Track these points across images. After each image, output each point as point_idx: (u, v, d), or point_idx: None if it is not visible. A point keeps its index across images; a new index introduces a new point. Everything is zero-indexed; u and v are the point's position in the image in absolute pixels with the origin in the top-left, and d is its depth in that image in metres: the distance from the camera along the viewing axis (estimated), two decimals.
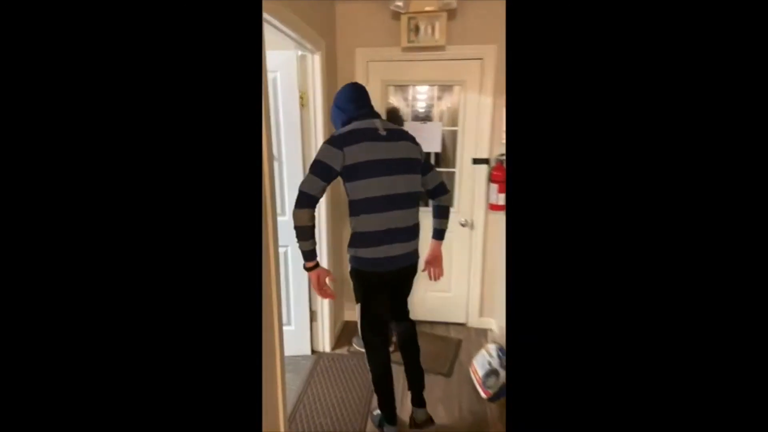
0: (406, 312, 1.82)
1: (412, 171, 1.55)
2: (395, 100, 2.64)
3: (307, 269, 1.53)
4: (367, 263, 1.54)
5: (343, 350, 2.51)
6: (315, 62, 2.15)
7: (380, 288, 1.61)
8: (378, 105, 2.51)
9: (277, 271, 1.42)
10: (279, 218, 1.52)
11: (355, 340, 2.53)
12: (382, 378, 1.70)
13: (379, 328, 1.68)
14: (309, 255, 1.51)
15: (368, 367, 1.71)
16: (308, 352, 2.44)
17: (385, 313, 1.69)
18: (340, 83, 2.55)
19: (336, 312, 2.55)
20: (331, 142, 1.47)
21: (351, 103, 1.58)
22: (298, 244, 1.50)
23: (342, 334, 2.66)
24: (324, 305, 2.42)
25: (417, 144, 1.62)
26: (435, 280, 1.81)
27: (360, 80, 2.51)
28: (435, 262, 1.78)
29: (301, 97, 2.15)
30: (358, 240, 1.53)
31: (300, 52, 2.09)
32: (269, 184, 1.34)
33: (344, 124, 1.54)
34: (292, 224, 1.48)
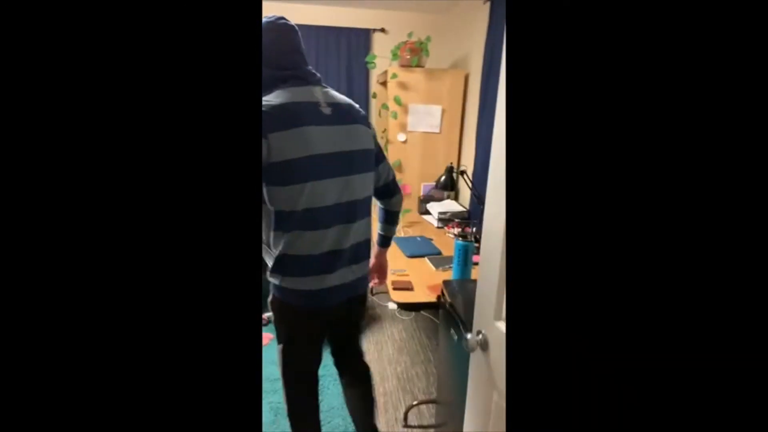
0: (357, 354, 1.39)
1: (366, 168, 1.13)
2: None
3: None
4: (296, 296, 1.10)
5: None
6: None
7: (314, 331, 1.20)
8: None
9: None
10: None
11: None
12: None
13: (309, 388, 1.29)
14: None
15: None
16: None
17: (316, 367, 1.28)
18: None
19: None
20: None
21: (277, 53, 1.03)
22: None
23: None
24: None
25: (370, 126, 1.17)
26: (376, 285, 1.46)
27: None
28: (381, 272, 1.42)
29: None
30: (286, 265, 1.08)
31: None
32: None
33: (264, 88, 1.04)
34: None
